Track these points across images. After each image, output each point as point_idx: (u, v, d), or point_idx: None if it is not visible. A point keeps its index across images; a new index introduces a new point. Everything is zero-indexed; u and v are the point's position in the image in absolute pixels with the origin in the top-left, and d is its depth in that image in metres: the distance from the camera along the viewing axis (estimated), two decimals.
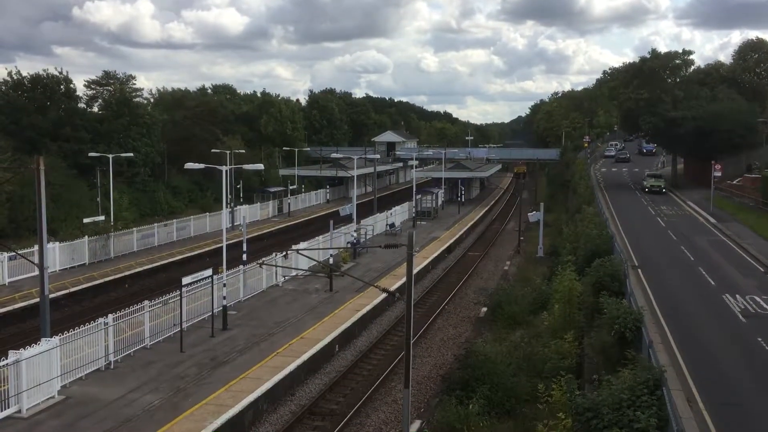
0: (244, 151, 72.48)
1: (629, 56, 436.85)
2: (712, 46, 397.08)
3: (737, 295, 28.72)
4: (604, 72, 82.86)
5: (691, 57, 73.44)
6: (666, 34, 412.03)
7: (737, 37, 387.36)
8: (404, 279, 20.32)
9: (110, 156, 50.33)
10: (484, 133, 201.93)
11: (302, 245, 40.54)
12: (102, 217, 44.95)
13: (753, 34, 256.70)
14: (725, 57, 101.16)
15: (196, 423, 19.75)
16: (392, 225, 58.07)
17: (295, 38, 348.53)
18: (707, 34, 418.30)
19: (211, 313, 28.78)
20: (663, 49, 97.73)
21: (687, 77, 74.54)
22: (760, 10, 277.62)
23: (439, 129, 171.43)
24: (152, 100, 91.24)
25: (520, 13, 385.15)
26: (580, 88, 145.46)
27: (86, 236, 41.84)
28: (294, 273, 38.78)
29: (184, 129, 78.60)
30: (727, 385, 19.32)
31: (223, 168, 30.88)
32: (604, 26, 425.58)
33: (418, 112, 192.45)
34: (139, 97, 75.67)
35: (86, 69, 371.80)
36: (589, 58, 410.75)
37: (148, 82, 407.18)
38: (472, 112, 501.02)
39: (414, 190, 66.73)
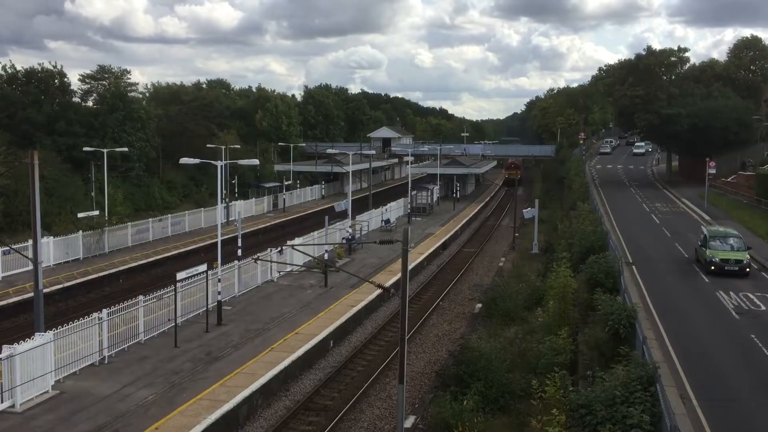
0: (239, 146, 72.42)
1: (623, 53, 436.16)
2: (705, 44, 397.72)
3: (731, 292, 28.85)
4: (600, 69, 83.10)
5: (686, 54, 73.81)
6: (659, 32, 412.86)
7: (730, 34, 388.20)
8: (399, 275, 20.32)
9: (105, 150, 50.26)
10: (480, 130, 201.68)
11: (297, 241, 40.60)
12: (96, 212, 44.96)
13: (746, 31, 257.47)
14: (719, 54, 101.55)
15: (191, 418, 19.76)
16: (387, 221, 58.08)
17: (289, 33, 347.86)
18: (700, 31, 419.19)
19: (205, 309, 28.81)
20: (656, 46, 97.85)
21: (682, 74, 74.78)
22: (753, 8, 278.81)
23: (434, 125, 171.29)
24: (147, 94, 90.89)
25: (513, 10, 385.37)
26: (574, 85, 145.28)
27: (80, 231, 41.77)
28: (289, 268, 38.82)
29: (179, 124, 78.36)
30: (721, 381, 19.40)
31: (218, 163, 30.86)
32: (598, 23, 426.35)
33: (414, 108, 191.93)
34: (133, 92, 75.37)
35: (80, 63, 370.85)
36: (583, 54, 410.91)
37: (142, 77, 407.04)
38: (468, 109, 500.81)
39: (409, 186, 66.87)
